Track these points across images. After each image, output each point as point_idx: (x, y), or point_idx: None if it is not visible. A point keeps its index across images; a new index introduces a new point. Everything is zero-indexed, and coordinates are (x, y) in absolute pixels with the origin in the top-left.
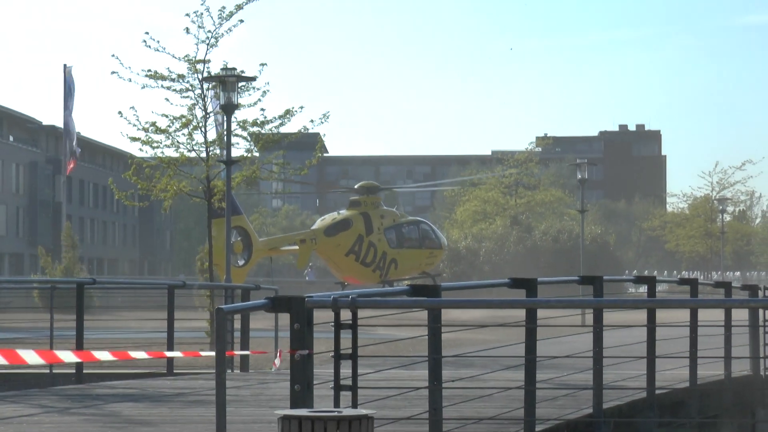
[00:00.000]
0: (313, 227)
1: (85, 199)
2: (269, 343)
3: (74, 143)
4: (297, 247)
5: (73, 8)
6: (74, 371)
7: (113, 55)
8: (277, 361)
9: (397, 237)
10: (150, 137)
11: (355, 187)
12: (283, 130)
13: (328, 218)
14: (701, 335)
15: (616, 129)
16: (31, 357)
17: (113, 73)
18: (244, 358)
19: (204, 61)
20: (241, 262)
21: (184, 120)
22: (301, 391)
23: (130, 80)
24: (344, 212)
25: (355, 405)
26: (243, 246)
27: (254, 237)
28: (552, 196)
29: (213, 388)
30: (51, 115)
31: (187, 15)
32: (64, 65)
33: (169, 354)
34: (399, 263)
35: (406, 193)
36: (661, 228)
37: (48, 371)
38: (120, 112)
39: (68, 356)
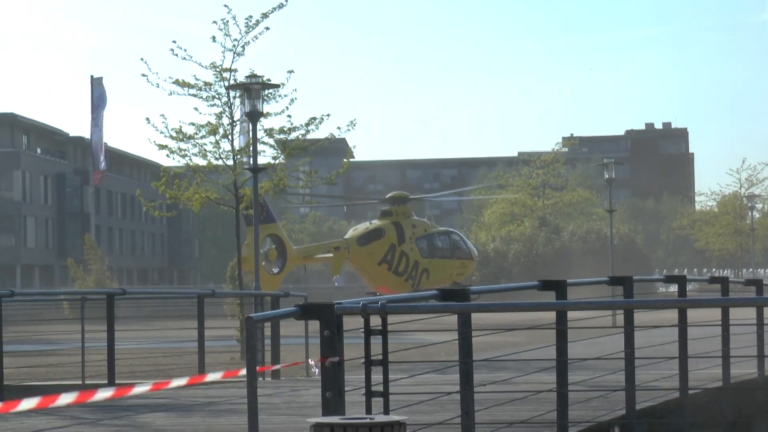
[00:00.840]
0: (346, 236)
1: (113, 210)
2: (300, 349)
3: (102, 156)
4: (331, 255)
5: (100, 20)
6: (106, 382)
7: (141, 59)
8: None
9: (429, 247)
10: (177, 145)
11: (386, 197)
12: (309, 137)
13: (361, 227)
14: (733, 334)
15: (643, 128)
16: (66, 399)
17: (143, 75)
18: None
19: (230, 69)
20: (275, 270)
21: (210, 128)
22: (333, 398)
23: (158, 86)
24: (376, 222)
25: (387, 411)
26: (277, 254)
27: (288, 245)
28: (579, 197)
29: (245, 396)
30: (78, 127)
31: (215, 23)
32: (91, 76)
33: (207, 378)
34: (431, 273)
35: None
36: (690, 227)
37: (80, 382)
38: (147, 119)
39: (104, 393)
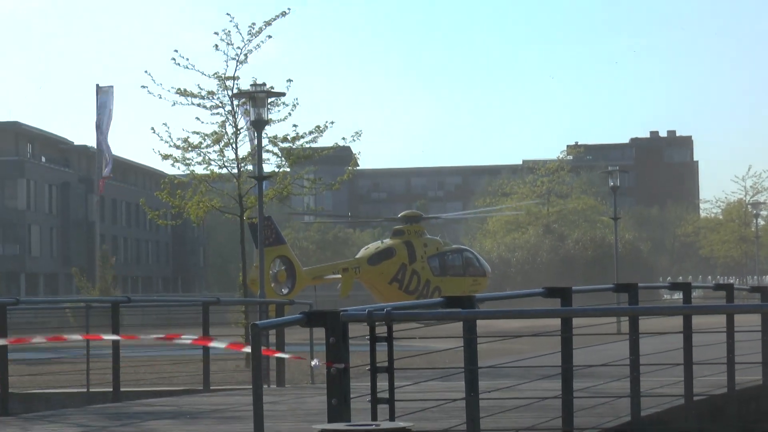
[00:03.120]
0: (357, 256)
1: (118, 218)
2: (305, 356)
3: (108, 164)
4: (340, 276)
5: (104, 29)
6: (111, 390)
7: (146, 71)
8: (315, 362)
9: (441, 265)
10: (182, 154)
11: (399, 216)
12: (314, 145)
13: (372, 247)
14: (738, 341)
15: (648, 135)
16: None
17: (143, 87)
18: (281, 374)
19: (234, 78)
20: (285, 291)
21: (215, 136)
22: (338, 404)
23: (161, 97)
24: (388, 241)
25: (392, 417)
26: (287, 275)
27: (298, 267)
28: (584, 204)
29: (250, 403)
30: (83, 136)
31: (216, 34)
32: (97, 85)
33: (213, 344)
34: (443, 291)
35: (438, 205)
36: (695, 234)
37: (85, 390)
38: (153, 128)
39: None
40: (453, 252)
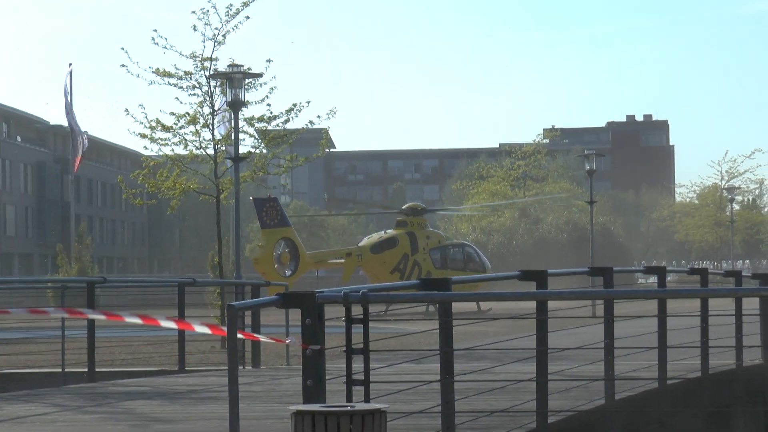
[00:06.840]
0: (360, 244)
1: (93, 198)
2: (280, 338)
3: (78, 139)
4: (343, 261)
5: (81, 8)
6: (86, 370)
7: (122, 48)
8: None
9: (442, 258)
10: (156, 135)
11: (402, 208)
12: (290, 125)
13: (375, 236)
14: (712, 325)
15: (624, 119)
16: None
17: (122, 66)
18: (256, 355)
19: (211, 59)
20: (288, 273)
21: (190, 117)
22: (314, 386)
23: (138, 75)
24: (391, 231)
25: (367, 399)
26: (290, 257)
27: (302, 249)
28: (560, 188)
29: (225, 384)
30: (58, 115)
31: (194, 12)
32: (70, 65)
33: (196, 327)
34: None
35: (414, 188)
36: (670, 218)
37: (60, 370)
38: (127, 110)
39: (97, 315)
40: (454, 246)
